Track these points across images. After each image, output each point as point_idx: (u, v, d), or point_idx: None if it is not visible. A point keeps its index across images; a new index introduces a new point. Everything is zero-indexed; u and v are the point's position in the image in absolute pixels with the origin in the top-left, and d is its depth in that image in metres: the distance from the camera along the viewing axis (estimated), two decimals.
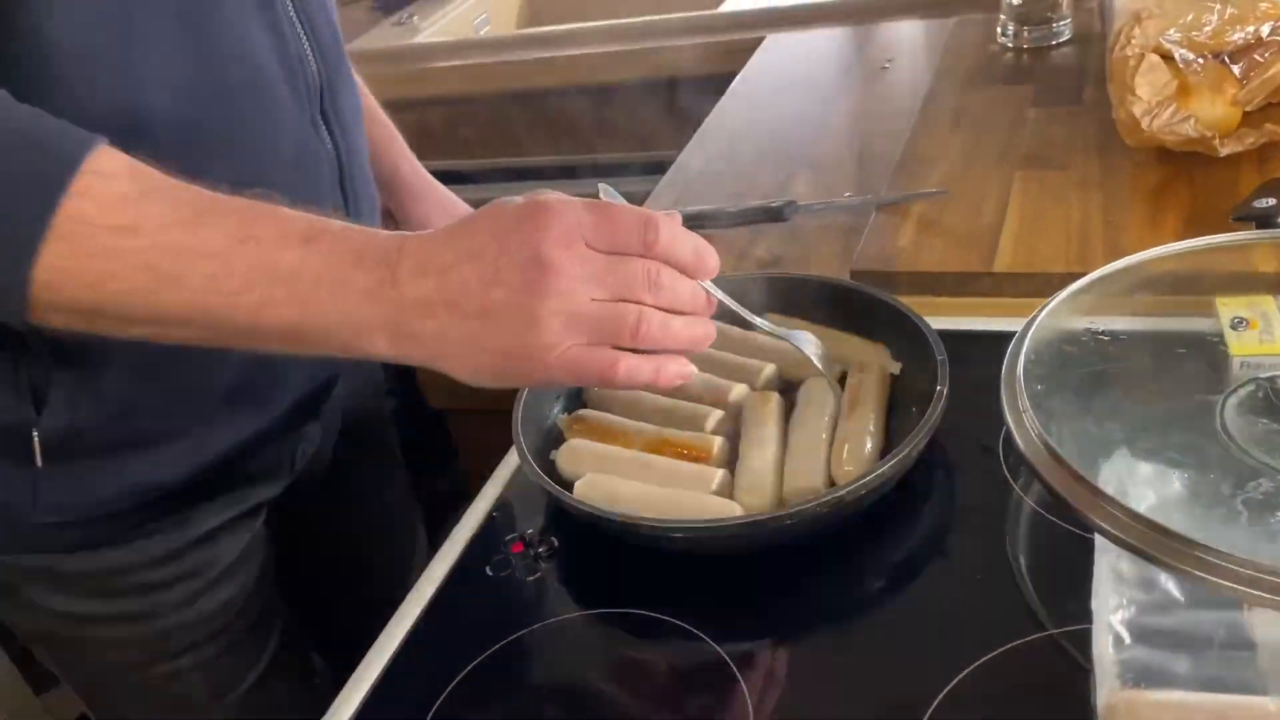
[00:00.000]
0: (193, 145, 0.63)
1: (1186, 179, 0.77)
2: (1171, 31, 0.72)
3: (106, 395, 0.62)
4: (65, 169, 0.46)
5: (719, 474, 0.59)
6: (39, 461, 0.63)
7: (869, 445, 0.59)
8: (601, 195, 0.52)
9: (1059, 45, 1.03)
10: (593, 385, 0.67)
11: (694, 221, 0.89)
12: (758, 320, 0.58)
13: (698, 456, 0.61)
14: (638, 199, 1.47)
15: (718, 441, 0.61)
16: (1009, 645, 0.49)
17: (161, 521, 0.69)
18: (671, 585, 0.56)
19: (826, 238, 0.84)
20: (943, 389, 0.58)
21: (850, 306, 0.69)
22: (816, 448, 0.60)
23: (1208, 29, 0.71)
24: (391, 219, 1.02)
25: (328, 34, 0.75)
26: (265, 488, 0.75)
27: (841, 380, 0.65)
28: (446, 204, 1.01)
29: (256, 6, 0.66)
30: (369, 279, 0.47)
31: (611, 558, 0.59)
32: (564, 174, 1.54)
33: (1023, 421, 0.54)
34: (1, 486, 0.64)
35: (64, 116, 0.58)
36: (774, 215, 0.87)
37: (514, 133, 1.54)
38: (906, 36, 1.22)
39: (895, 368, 0.65)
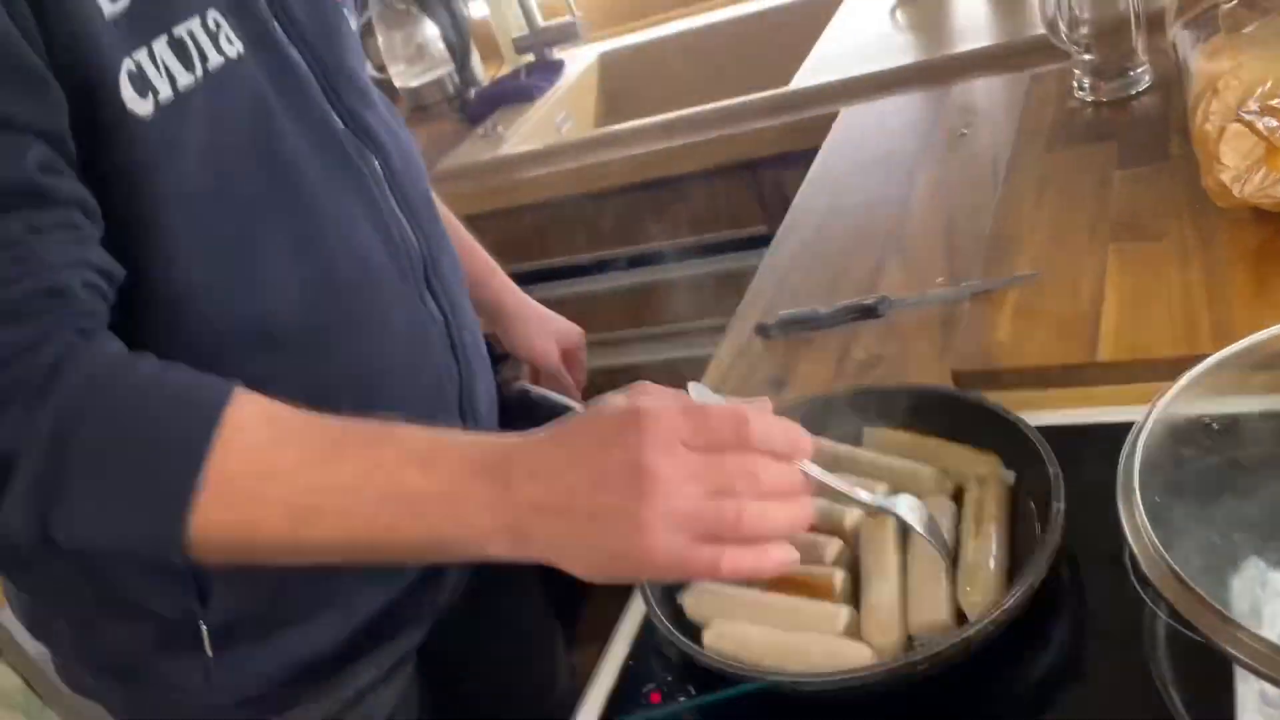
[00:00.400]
0: (315, 342, 0.69)
1: None
2: (1250, 103, 0.71)
3: (262, 581, 0.68)
4: (207, 428, 0.51)
5: (845, 613, 0.60)
6: (208, 650, 0.68)
7: (994, 568, 0.60)
8: (692, 394, 0.54)
9: (1139, 95, 1.02)
10: (701, 580, 0.67)
11: (792, 327, 0.91)
12: (859, 494, 0.59)
13: (820, 593, 0.62)
14: (734, 278, 1.50)
15: (839, 576, 0.63)
16: None
17: (318, 687, 0.74)
18: None
19: (924, 332, 0.85)
20: (1060, 506, 0.59)
21: (955, 414, 0.70)
22: (939, 575, 0.60)
23: None
24: (496, 340, 1.09)
25: (424, 208, 0.81)
26: (411, 636, 0.79)
27: (957, 494, 0.66)
28: (544, 322, 1.11)
29: (362, 206, 0.72)
30: (487, 491, 0.51)
31: (750, 702, 0.60)
32: (655, 260, 1.59)
33: (1142, 538, 0.53)
34: (176, 673, 0.70)
35: (198, 338, 0.65)
36: (869, 312, 0.88)
37: (604, 226, 1.59)
38: (981, 96, 1.21)
39: (1009, 478, 0.66)
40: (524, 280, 1.67)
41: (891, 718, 0.57)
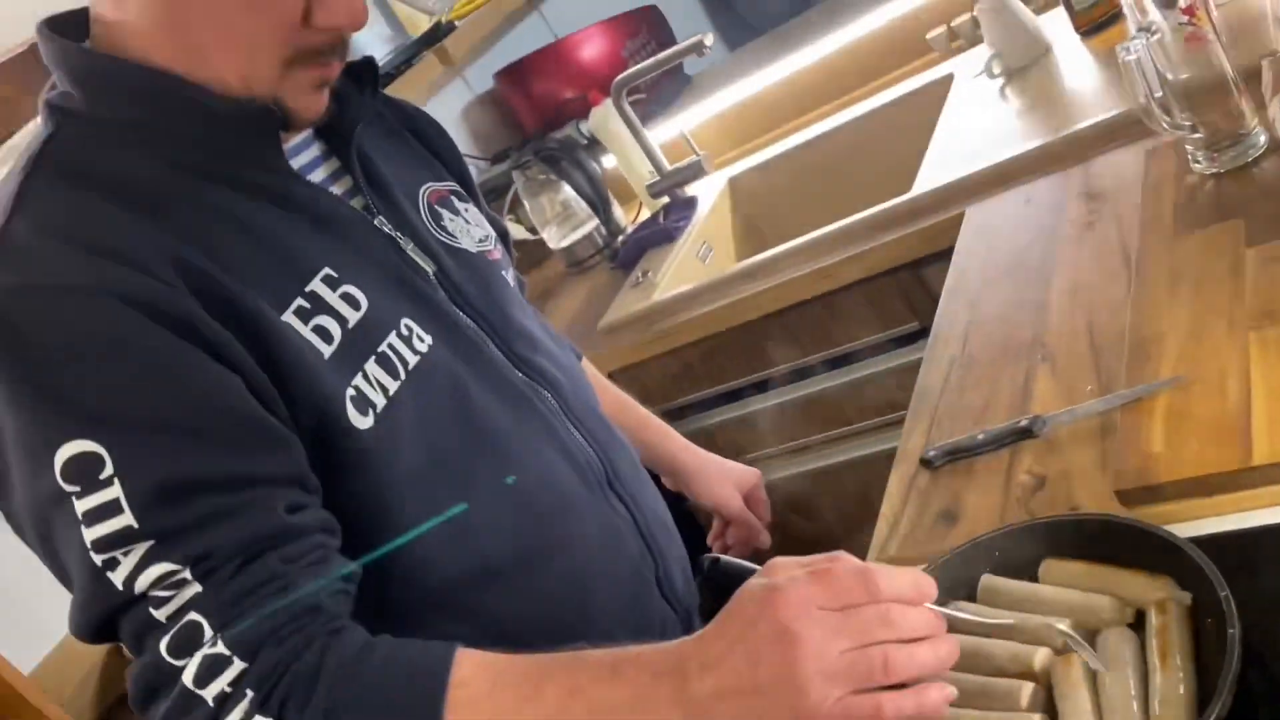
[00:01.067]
0: (527, 566, 0.81)
1: None
2: None
3: None
4: (437, 691, 0.61)
5: (1028, 690, 0.66)
6: None
7: (1184, 697, 0.63)
8: None
9: (1257, 161, 1.03)
10: None
11: (954, 456, 0.97)
12: (998, 622, 0.65)
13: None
14: (892, 375, 1.56)
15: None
16: None
17: None
18: None
19: (1083, 447, 0.89)
20: (1234, 632, 0.62)
21: (1119, 539, 0.74)
22: (1133, 712, 0.64)
23: None
24: (682, 498, 1.19)
25: (594, 419, 0.93)
26: None
27: (1139, 621, 0.70)
28: (722, 472, 1.20)
29: (546, 438, 0.85)
30: (669, 690, 0.59)
31: None
32: (815, 371, 1.66)
33: None
34: None
35: (430, 585, 0.76)
36: (1025, 434, 0.93)
37: (761, 348, 1.68)
38: (1103, 175, 1.24)
39: (1186, 599, 0.69)
40: (689, 411, 1.79)
41: None
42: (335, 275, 0.75)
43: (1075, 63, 1.53)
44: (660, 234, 1.93)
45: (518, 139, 2.36)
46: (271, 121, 0.74)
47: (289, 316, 0.72)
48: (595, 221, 2.08)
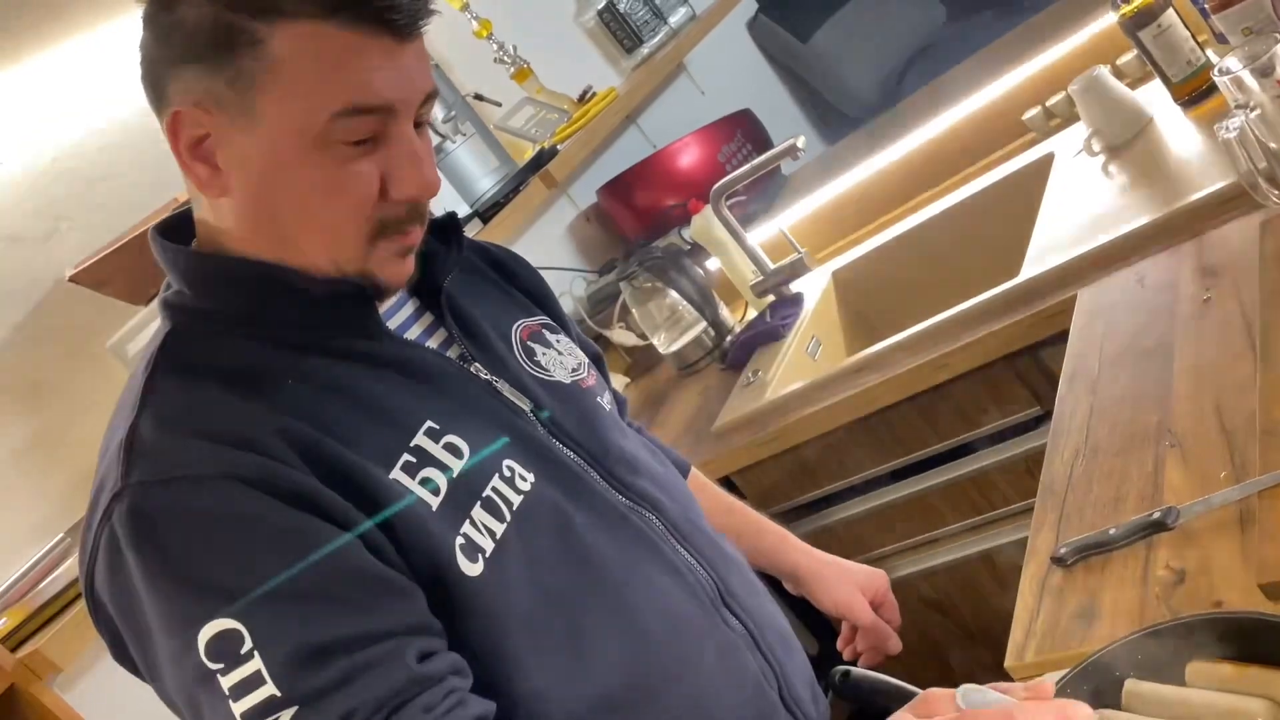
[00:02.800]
0: (646, 696, 0.81)
1: None
2: None
3: None
4: None
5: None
6: None
7: None
8: (961, 701, 0.60)
9: None
10: None
11: (1086, 552, 0.94)
12: None
13: None
14: (1017, 462, 1.53)
15: None
16: None
17: None
18: None
19: (1222, 538, 0.86)
20: None
21: (1273, 638, 0.71)
22: None
23: None
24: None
25: (701, 536, 0.93)
26: None
27: None
28: (844, 575, 1.17)
29: (655, 562, 0.86)
30: None
31: None
32: (936, 461, 1.64)
33: None
34: None
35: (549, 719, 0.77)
36: (1159, 526, 0.90)
37: (880, 442, 1.66)
38: (1216, 249, 1.22)
39: None
40: (809, 510, 1.78)
41: None
42: (437, 427, 0.78)
43: (1178, 135, 1.51)
44: (768, 333, 1.95)
45: (622, 250, 2.43)
46: (363, 294, 0.79)
47: (397, 473, 0.75)
48: (703, 324, 2.12)
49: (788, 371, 1.84)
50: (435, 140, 1.91)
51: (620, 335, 2.29)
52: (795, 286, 2.04)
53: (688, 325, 2.13)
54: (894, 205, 2.09)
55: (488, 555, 0.76)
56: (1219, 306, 1.11)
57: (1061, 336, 1.32)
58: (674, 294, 2.12)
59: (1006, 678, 0.92)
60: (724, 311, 2.16)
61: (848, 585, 1.16)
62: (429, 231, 0.87)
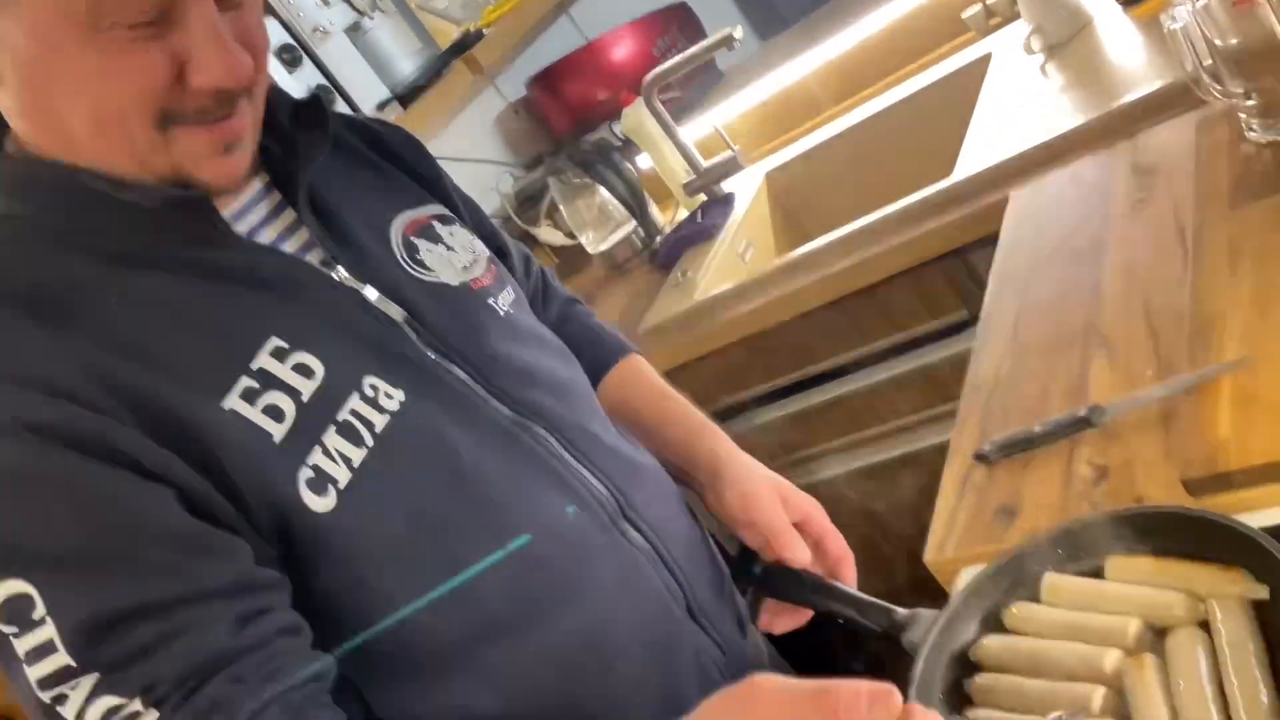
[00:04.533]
0: (533, 617, 0.76)
1: None
2: None
3: None
4: None
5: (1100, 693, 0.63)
6: None
7: (1264, 700, 0.60)
8: None
9: None
10: None
11: (1009, 450, 0.93)
12: None
13: None
14: (941, 367, 1.52)
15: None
16: None
17: None
18: None
19: (1145, 435, 0.85)
20: None
21: (1193, 533, 0.70)
22: (1210, 717, 0.61)
23: None
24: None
25: (601, 448, 0.86)
26: None
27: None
28: (768, 477, 0.97)
29: (544, 478, 0.79)
30: None
31: None
32: (863, 365, 1.63)
33: None
34: None
35: (428, 648, 0.72)
36: (1084, 424, 0.90)
37: (806, 345, 1.65)
38: (1152, 150, 1.20)
39: (1261, 592, 0.66)
40: (736, 411, 1.76)
41: None
42: (285, 345, 0.70)
43: (1118, 34, 1.48)
44: (699, 233, 1.91)
45: (552, 144, 2.35)
46: (187, 196, 0.70)
47: (234, 402, 0.67)
48: (633, 223, 2.06)
49: (717, 273, 1.80)
50: (351, 17, 1.79)
51: (547, 233, 2.22)
52: (728, 186, 1.99)
53: (617, 224, 2.08)
54: (830, 105, 2.04)
55: (342, 486, 0.69)
56: (1152, 206, 1.10)
57: (993, 239, 1.30)
58: (603, 191, 2.06)
59: (928, 574, 0.92)
60: (654, 211, 2.11)
61: (765, 485, 0.95)
62: (291, 115, 0.78)
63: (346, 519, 0.69)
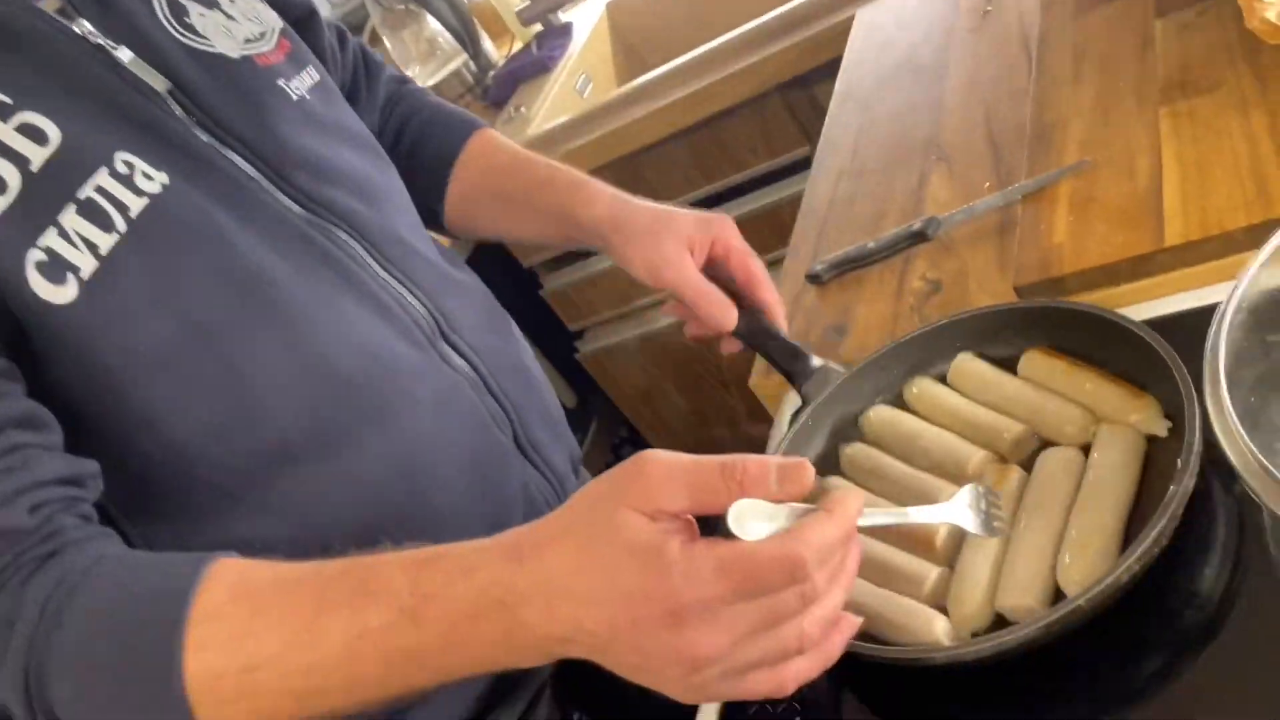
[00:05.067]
0: (338, 444, 0.67)
1: None
2: None
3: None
4: (174, 632, 0.49)
5: (933, 576, 0.58)
6: None
7: (1103, 546, 0.55)
8: (731, 525, 0.44)
9: None
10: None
11: (843, 268, 0.88)
12: (917, 517, 0.53)
13: (922, 547, 0.60)
14: (784, 207, 1.46)
15: (944, 531, 0.60)
16: None
17: None
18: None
19: (980, 247, 0.80)
20: (1188, 474, 0.52)
21: (1103, 336, 0.64)
22: (1043, 548, 0.56)
23: None
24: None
25: (417, 260, 0.76)
26: (540, 673, 0.77)
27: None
28: (663, 223, 0.80)
29: (347, 289, 0.69)
30: (494, 629, 0.46)
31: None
32: (709, 203, 1.55)
33: (1238, 445, 0.49)
34: None
35: (216, 477, 0.63)
36: (920, 237, 0.84)
37: (647, 182, 1.56)
38: None
39: (1160, 429, 0.59)
40: (572, 257, 1.67)
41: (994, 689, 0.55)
42: (9, 102, 0.59)
43: None
44: (533, 65, 1.77)
45: None
46: None
47: None
48: (464, 56, 1.90)
49: (553, 108, 1.68)
50: None
51: None
52: (565, 16, 1.85)
53: (447, 57, 1.91)
54: None
55: (86, 276, 0.58)
56: (998, 18, 1.04)
57: (838, 66, 1.22)
58: (432, 21, 1.88)
59: (755, 402, 0.87)
60: (488, 44, 1.94)
61: (665, 238, 0.78)
62: None
63: (92, 315, 0.58)
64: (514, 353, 0.83)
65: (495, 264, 1.67)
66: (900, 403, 0.72)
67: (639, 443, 1.89)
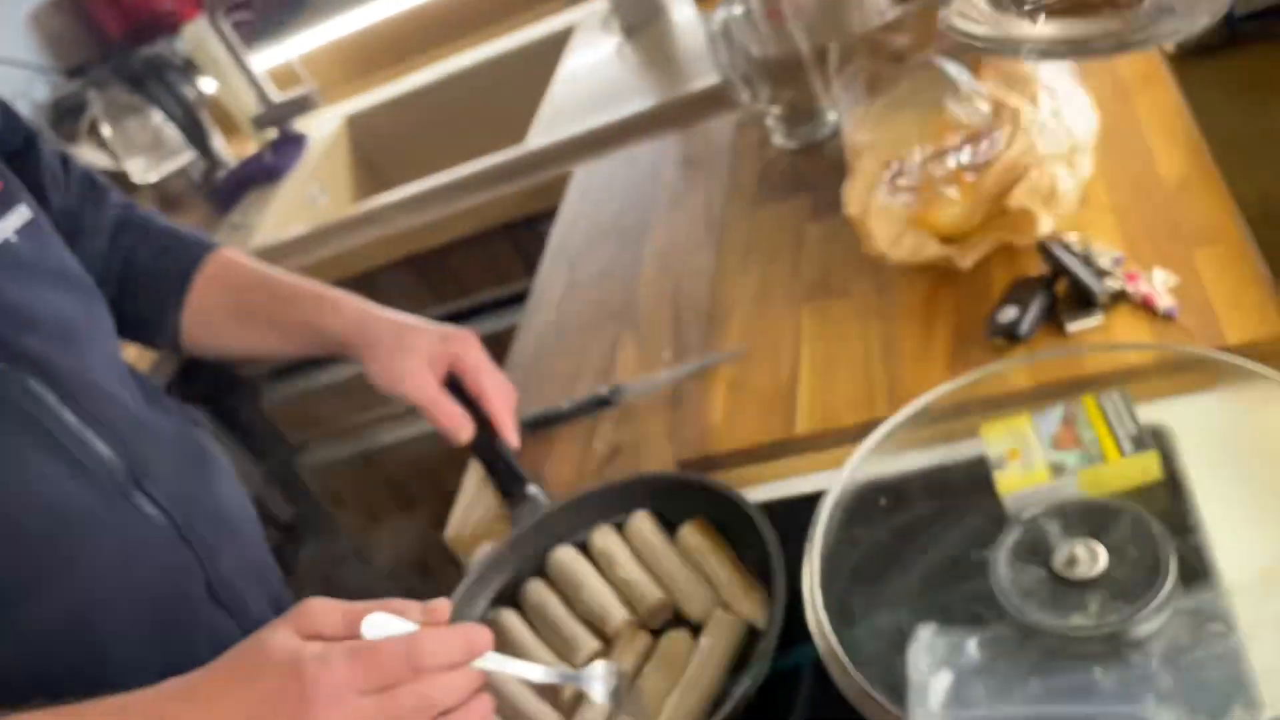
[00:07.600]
0: (9, 606, 0.66)
1: (950, 285, 0.83)
2: (884, 181, 0.78)
3: None
4: None
5: None
6: None
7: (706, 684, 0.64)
8: (365, 631, 0.54)
9: (828, 139, 1.09)
10: None
11: (539, 425, 0.94)
12: (544, 676, 0.63)
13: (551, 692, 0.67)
14: (503, 337, 1.53)
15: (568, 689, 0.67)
16: None
17: None
18: None
19: (655, 416, 0.89)
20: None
21: (710, 501, 0.75)
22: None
23: (914, 167, 0.78)
24: None
25: (114, 406, 0.76)
26: None
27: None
28: (405, 339, 0.87)
29: (33, 441, 0.69)
30: None
31: None
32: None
33: (825, 638, 0.59)
34: None
35: None
36: (605, 402, 0.93)
37: (378, 300, 1.58)
38: (699, 144, 1.27)
39: (757, 620, 0.68)
40: (291, 373, 1.66)
41: None
42: None
43: (688, 24, 1.56)
44: (265, 171, 1.76)
45: (100, 52, 2.05)
46: None
47: None
48: (191, 154, 1.86)
49: (283, 218, 1.67)
50: None
51: (89, 154, 1.93)
52: (303, 126, 1.86)
53: (171, 152, 1.86)
54: (421, 50, 1.96)
55: None
56: (692, 197, 1.16)
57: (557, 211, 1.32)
58: (157, 114, 1.83)
59: (444, 550, 0.91)
60: (219, 143, 1.91)
61: (407, 352, 0.85)
62: None
63: None
64: (213, 498, 0.83)
65: (218, 373, 1.63)
66: (586, 547, 0.78)
67: (360, 560, 1.87)
